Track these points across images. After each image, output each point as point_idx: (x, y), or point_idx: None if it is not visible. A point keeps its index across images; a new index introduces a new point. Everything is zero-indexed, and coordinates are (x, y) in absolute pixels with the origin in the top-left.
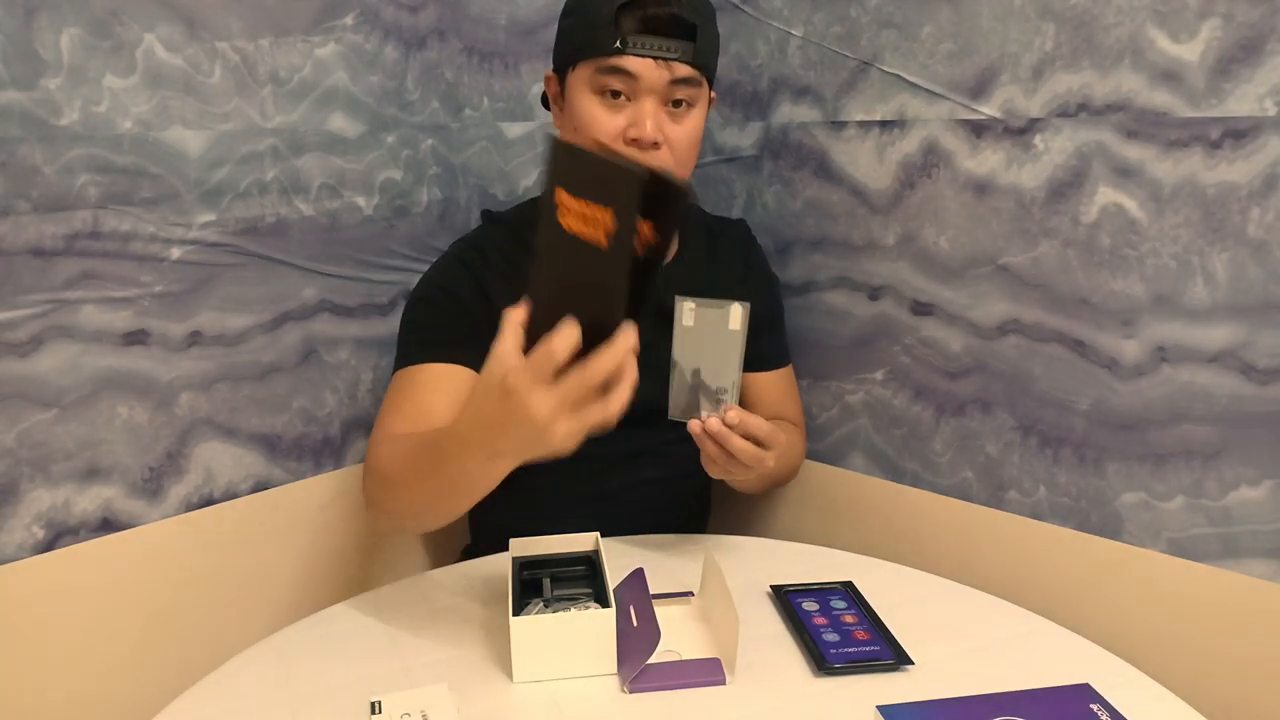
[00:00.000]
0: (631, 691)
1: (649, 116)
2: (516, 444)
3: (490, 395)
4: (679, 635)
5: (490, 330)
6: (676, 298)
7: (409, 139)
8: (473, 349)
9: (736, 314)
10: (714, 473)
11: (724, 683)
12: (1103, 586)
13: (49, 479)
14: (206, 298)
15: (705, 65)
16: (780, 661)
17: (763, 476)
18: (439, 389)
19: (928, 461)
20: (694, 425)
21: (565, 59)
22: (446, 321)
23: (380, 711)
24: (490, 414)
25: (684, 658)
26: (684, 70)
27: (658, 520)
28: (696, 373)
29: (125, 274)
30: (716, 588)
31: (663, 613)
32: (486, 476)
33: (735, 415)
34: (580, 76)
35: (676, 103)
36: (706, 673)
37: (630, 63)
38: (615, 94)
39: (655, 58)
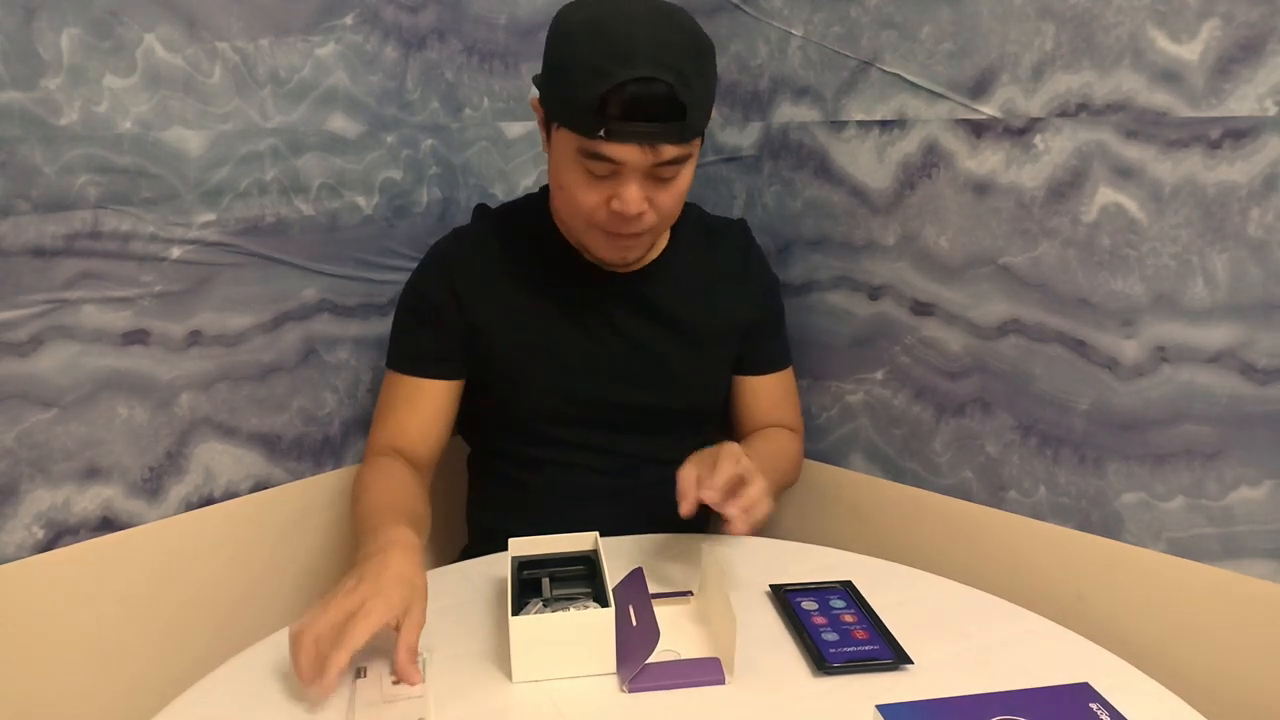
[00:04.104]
0: (631, 691)
1: (633, 191)
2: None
3: (352, 574)
4: (678, 635)
5: (460, 327)
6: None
7: (409, 139)
8: (441, 358)
9: None
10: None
11: (723, 682)
12: (1103, 586)
13: (49, 479)
14: (206, 298)
15: (697, 135)
16: (779, 661)
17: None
18: (413, 405)
19: (928, 461)
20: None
21: (549, 112)
22: (422, 331)
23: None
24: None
25: (683, 657)
26: (671, 152)
27: (658, 524)
28: None
29: (125, 274)
30: (715, 587)
31: (662, 612)
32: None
33: (713, 495)
34: (564, 139)
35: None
36: (705, 672)
37: (613, 150)
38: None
39: (641, 143)
